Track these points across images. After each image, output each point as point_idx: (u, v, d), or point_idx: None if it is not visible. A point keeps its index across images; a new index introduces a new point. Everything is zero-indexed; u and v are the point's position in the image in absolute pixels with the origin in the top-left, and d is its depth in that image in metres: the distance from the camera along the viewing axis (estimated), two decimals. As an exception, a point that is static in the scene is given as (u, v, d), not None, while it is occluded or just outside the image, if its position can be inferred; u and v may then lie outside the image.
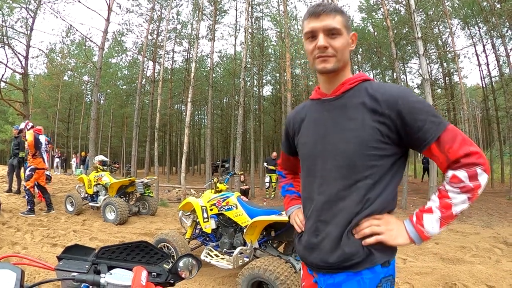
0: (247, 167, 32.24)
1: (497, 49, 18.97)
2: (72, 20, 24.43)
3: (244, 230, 4.18)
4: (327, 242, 1.36)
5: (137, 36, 25.28)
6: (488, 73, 20.90)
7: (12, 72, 18.38)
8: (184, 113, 30.06)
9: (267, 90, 34.21)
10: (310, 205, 1.48)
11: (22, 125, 8.81)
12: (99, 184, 8.84)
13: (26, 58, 15.26)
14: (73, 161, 27.13)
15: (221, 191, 4.99)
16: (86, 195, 9.10)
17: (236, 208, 4.47)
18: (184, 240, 4.68)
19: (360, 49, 23.45)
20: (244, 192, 13.27)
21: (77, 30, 25.50)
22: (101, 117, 34.53)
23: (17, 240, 5.86)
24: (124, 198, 8.89)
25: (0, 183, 11.83)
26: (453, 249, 6.07)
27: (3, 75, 14.60)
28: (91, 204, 8.94)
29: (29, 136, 7.85)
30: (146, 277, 1.06)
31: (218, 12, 19.22)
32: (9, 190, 9.81)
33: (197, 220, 4.89)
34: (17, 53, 14.91)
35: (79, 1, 15.77)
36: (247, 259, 4.15)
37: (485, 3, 17.33)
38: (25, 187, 7.77)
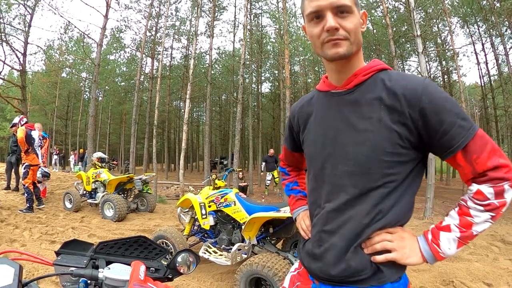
0: (245, 164, 32.29)
1: (496, 48, 19.03)
2: (71, 16, 24.55)
3: (243, 227, 4.19)
4: (331, 254, 1.21)
5: (136, 32, 25.15)
6: (487, 72, 20.99)
7: (10, 69, 18.34)
8: (182, 110, 30.15)
9: (265, 87, 34.09)
10: (316, 211, 1.32)
11: (16, 120, 8.78)
12: (97, 181, 8.83)
13: (24, 55, 15.21)
14: (72, 158, 27.08)
15: (219, 187, 4.99)
16: (84, 192, 9.09)
17: (235, 204, 4.47)
18: (182, 236, 4.68)
19: (359, 47, 23.37)
20: (243, 189, 13.29)
21: (75, 27, 25.44)
22: (100, 114, 34.43)
23: (15, 237, 5.86)
24: (122, 195, 8.88)
25: (-2, 180, 11.81)
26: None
27: (1, 72, 14.54)
28: (89, 201, 8.93)
29: (20, 132, 7.84)
30: (144, 272, 1.06)
31: (217, 9, 19.23)
32: (8, 188, 9.80)
33: (196, 217, 4.89)
34: (15, 50, 14.86)
35: (77, -3, 15.74)
36: (245, 256, 4.16)
37: (484, 2, 17.37)
38: (24, 185, 7.76)
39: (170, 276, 1.26)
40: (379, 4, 18.68)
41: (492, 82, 21.19)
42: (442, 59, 22.81)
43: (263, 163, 16.80)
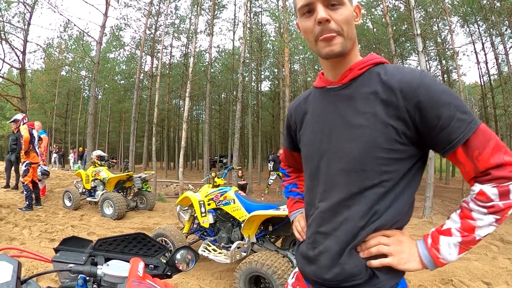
0: (245, 163, 32.31)
1: (496, 48, 19.02)
2: (70, 14, 24.63)
3: (242, 225, 4.19)
4: (325, 257, 1.16)
5: (135, 30, 25.13)
6: (486, 71, 20.98)
7: (10, 67, 18.33)
8: (182, 108, 30.13)
9: (265, 86, 34.16)
10: (311, 212, 1.27)
11: (19, 116, 8.75)
12: (97, 179, 8.83)
13: (24, 53, 15.19)
14: (71, 156, 27.10)
15: (218, 185, 4.99)
16: (84, 190, 9.09)
17: (234, 202, 4.48)
18: (182, 234, 4.69)
19: (359, 46, 23.35)
20: (242, 187, 13.29)
21: (74, 25, 25.45)
22: (99, 112, 34.44)
23: (15, 236, 5.86)
24: (122, 193, 8.88)
25: (-2, 178, 11.81)
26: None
27: (0, 70, 14.53)
28: (89, 199, 8.93)
29: (25, 131, 7.84)
30: (143, 269, 1.06)
31: (216, 7, 19.22)
32: (7, 186, 9.79)
33: (195, 215, 4.90)
34: (14, 48, 14.83)
35: (77, -5, 15.72)
36: (245, 254, 4.16)
37: (484, 1, 17.36)
38: (23, 182, 7.75)
39: (169, 273, 1.25)
40: (379, 2, 18.68)
41: (492, 81, 21.19)
42: (442, 58, 22.84)
43: (272, 162, 16.79)
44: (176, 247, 4.36)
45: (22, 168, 7.95)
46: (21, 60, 14.98)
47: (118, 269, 1.07)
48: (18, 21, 15.76)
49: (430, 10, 17.84)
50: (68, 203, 8.52)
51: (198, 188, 6.18)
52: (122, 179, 8.91)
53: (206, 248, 4.54)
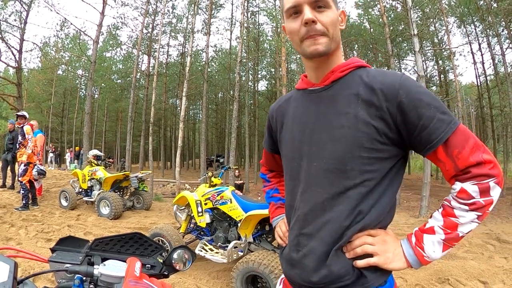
0: (241, 162, 32.30)
1: (492, 48, 19.14)
2: (67, 13, 24.58)
3: (239, 224, 4.19)
4: (310, 259, 1.14)
5: (132, 29, 25.22)
6: (483, 72, 21.10)
7: (6, 66, 18.28)
8: (178, 108, 30.10)
9: (262, 85, 34.16)
10: (292, 214, 1.26)
11: (26, 114, 8.66)
12: (93, 178, 8.80)
13: (20, 52, 15.17)
14: (67, 156, 27.03)
15: (215, 185, 4.99)
16: (80, 190, 9.06)
17: (231, 202, 4.47)
18: (178, 234, 4.68)
19: (356, 45, 23.51)
20: (239, 187, 13.30)
21: (71, 24, 25.25)
22: (96, 112, 34.40)
23: (11, 236, 5.84)
24: (118, 193, 8.86)
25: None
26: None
27: (-4, 69, 14.49)
28: (85, 199, 8.90)
29: (29, 128, 7.91)
30: (140, 268, 1.06)
31: (214, 6, 19.20)
32: (3, 185, 9.76)
33: (192, 214, 4.89)
34: (10, 47, 14.83)
35: (73, -6, 15.68)
36: (242, 253, 4.16)
37: (481, 2, 17.45)
38: (21, 181, 7.72)
39: (166, 273, 1.25)
40: (377, 3, 18.73)
41: (488, 81, 21.32)
42: (439, 59, 22.94)
43: None
44: (173, 247, 4.36)
45: (21, 167, 7.91)
46: (17, 59, 14.97)
47: (115, 269, 1.07)
48: (15, 20, 15.77)
49: (427, 10, 17.93)
50: (64, 203, 8.49)
51: (195, 188, 6.17)
52: (118, 178, 8.89)
53: (203, 248, 4.53)
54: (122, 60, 32.55)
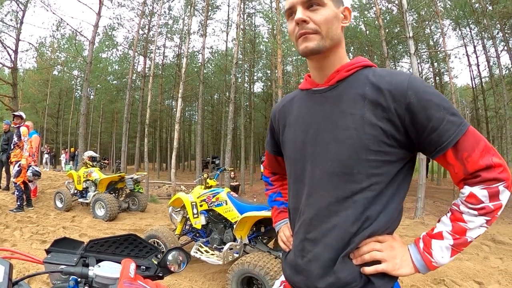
0: (237, 164, 32.31)
1: (487, 50, 19.25)
2: (63, 13, 24.46)
3: (234, 226, 4.19)
4: (316, 266, 1.11)
5: (128, 30, 24.99)
6: (478, 74, 21.24)
7: (1, 66, 18.19)
8: (174, 109, 30.10)
9: (258, 87, 34.21)
10: (297, 218, 1.23)
11: (23, 114, 8.59)
12: (88, 180, 8.77)
13: (16, 52, 15.10)
14: (63, 157, 26.96)
15: (211, 187, 4.98)
16: (75, 191, 9.02)
17: (226, 204, 4.47)
18: (174, 236, 4.68)
19: (352, 48, 23.58)
20: (234, 188, 13.28)
21: (67, 24, 25.17)
22: (91, 113, 34.31)
23: (6, 237, 5.80)
24: (114, 194, 8.83)
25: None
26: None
27: (-9, 68, 14.45)
28: (80, 200, 8.86)
29: (25, 130, 7.87)
30: (134, 270, 1.06)
31: (210, 8, 19.25)
32: (-2, 186, 9.71)
33: (187, 216, 4.88)
34: (6, 47, 14.76)
35: (70, -6, 15.63)
36: (237, 255, 4.16)
37: (477, 5, 17.54)
38: (15, 183, 7.68)
39: (160, 274, 1.25)
40: (372, 5, 18.80)
41: (483, 83, 21.48)
42: (434, 61, 23.09)
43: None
44: (168, 249, 4.36)
45: (14, 168, 7.87)
46: (13, 59, 14.90)
47: (110, 270, 1.07)
48: (11, 19, 15.70)
49: (423, 13, 18.02)
50: (59, 204, 8.46)
51: (190, 189, 6.16)
52: (114, 180, 8.86)
53: (198, 250, 4.53)
54: (118, 61, 32.48)
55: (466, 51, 21.47)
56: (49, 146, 28.64)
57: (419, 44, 21.53)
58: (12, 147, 8.17)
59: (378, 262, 1.07)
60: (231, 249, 4.15)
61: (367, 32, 23.32)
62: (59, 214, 7.98)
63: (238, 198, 4.59)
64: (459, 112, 1.06)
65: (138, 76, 24.83)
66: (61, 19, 19.46)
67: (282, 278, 1.38)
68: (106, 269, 1.08)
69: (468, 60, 21.54)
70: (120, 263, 1.11)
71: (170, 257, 1.25)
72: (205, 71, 21.65)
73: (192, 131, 43.86)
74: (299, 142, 1.23)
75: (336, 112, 1.13)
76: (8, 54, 14.76)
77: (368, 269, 1.06)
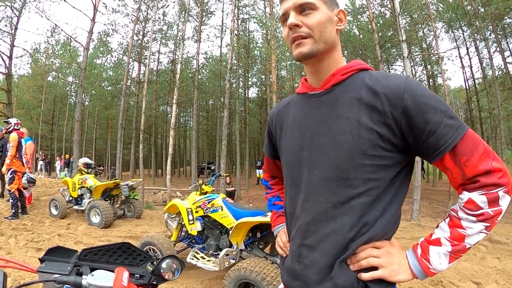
0: (232, 169, 32.27)
1: (480, 52, 19.41)
2: (57, 19, 24.40)
3: (230, 232, 4.18)
4: (313, 272, 1.11)
5: (123, 36, 25.05)
6: (471, 75, 21.43)
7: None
8: (169, 115, 30.07)
9: (252, 92, 34.29)
10: (294, 223, 1.22)
11: (13, 120, 8.54)
12: (83, 187, 8.73)
13: (10, 58, 15.09)
14: (57, 164, 26.81)
15: (206, 193, 4.97)
16: (70, 198, 8.97)
17: (222, 210, 4.46)
18: (170, 242, 4.66)
19: (346, 52, 23.69)
20: (230, 194, 13.28)
21: (62, 30, 25.23)
22: (86, 119, 34.19)
23: (1, 245, 5.76)
24: (109, 201, 8.78)
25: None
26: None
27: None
28: (75, 207, 8.80)
29: (15, 139, 7.81)
30: (127, 278, 1.06)
31: (204, 14, 19.28)
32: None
33: (183, 223, 4.87)
34: (1, 53, 14.73)
35: (64, 0, 15.58)
36: (234, 261, 4.15)
37: (469, 7, 17.72)
38: (9, 190, 7.64)
39: (154, 283, 1.25)
40: (365, 9, 18.92)
41: (476, 85, 21.64)
42: (427, 63, 23.21)
43: (260, 169, 16.82)
44: (163, 256, 4.34)
45: (7, 175, 7.83)
46: (7, 65, 14.90)
47: (103, 279, 1.07)
48: (5, 25, 15.67)
49: (415, 16, 18.14)
50: (54, 212, 8.41)
51: (186, 196, 6.16)
52: (109, 187, 8.82)
53: (194, 256, 4.52)
54: (113, 67, 32.48)
55: (459, 53, 21.64)
56: (44, 153, 28.56)
57: (412, 47, 21.72)
58: (6, 154, 8.12)
59: (375, 268, 1.06)
60: (227, 255, 4.14)
61: (361, 36, 23.48)
62: (54, 221, 7.93)
63: (234, 204, 4.58)
64: (457, 115, 1.05)
65: (132, 82, 24.82)
66: (56, 25, 19.48)
67: (281, 285, 1.37)
68: (100, 278, 1.08)
69: (461, 62, 21.72)
70: (113, 271, 1.11)
71: (164, 265, 1.25)
72: (199, 77, 21.63)
73: (187, 137, 43.77)
74: (295, 147, 1.22)
75: (332, 116, 1.12)
76: (3, 60, 14.75)
77: (365, 275, 1.05)
